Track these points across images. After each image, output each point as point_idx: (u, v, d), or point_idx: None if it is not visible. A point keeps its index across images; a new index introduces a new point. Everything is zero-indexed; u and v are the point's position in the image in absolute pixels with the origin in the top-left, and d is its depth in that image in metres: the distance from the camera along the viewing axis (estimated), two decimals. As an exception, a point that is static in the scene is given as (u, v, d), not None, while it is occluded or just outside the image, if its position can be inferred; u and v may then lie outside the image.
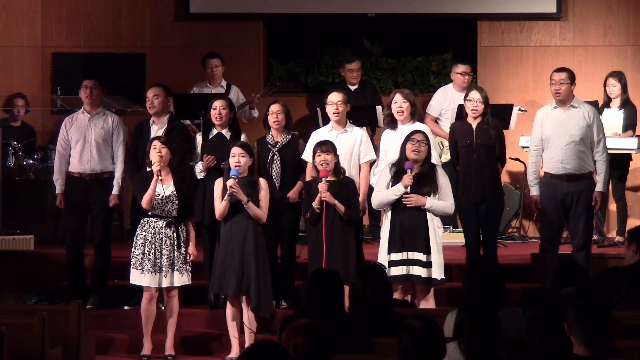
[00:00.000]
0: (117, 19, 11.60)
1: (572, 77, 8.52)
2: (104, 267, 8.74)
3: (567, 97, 8.49)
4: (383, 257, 7.65)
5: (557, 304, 4.98)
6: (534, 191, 8.53)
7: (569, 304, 4.45)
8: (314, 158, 7.90)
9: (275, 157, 8.37)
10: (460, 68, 10.48)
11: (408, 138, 7.77)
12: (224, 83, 10.41)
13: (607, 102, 10.14)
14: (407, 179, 7.63)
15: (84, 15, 11.61)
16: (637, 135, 9.95)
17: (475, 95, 8.42)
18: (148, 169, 8.08)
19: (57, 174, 8.83)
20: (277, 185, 8.32)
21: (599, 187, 8.48)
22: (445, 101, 10.43)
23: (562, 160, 8.40)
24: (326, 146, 7.87)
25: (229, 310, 7.90)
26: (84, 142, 8.75)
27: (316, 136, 8.33)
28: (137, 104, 10.56)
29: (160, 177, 7.83)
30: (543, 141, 8.50)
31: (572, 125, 8.43)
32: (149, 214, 7.94)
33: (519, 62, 11.36)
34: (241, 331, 7.90)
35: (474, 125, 8.41)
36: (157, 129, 8.61)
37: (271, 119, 8.40)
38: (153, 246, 7.87)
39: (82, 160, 8.74)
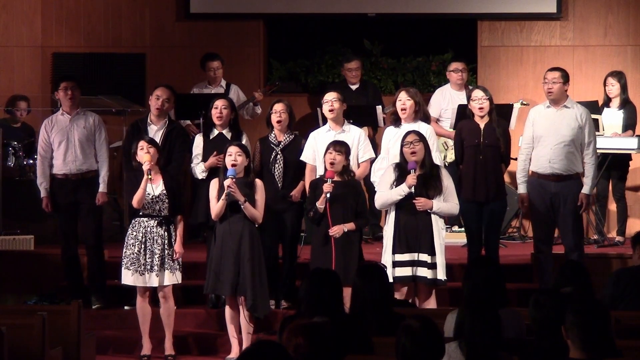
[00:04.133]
0: (117, 19, 11.59)
1: (565, 77, 8.49)
2: (100, 266, 8.74)
3: (559, 96, 8.46)
4: (387, 258, 7.65)
5: (563, 306, 4.98)
6: (522, 189, 8.53)
7: (568, 307, 4.42)
8: (325, 154, 7.88)
9: (278, 156, 8.37)
10: (453, 65, 10.48)
11: (403, 142, 7.78)
12: (223, 82, 10.41)
13: (607, 102, 10.14)
14: (411, 179, 7.64)
15: (84, 15, 11.60)
16: (637, 135, 9.94)
17: (479, 93, 8.43)
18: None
19: (41, 178, 8.79)
20: (279, 184, 8.32)
21: (585, 190, 8.44)
22: (444, 101, 10.43)
23: (551, 159, 8.39)
24: (340, 146, 7.86)
25: (228, 310, 7.90)
26: (67, 143, 8.73)
27: (314, 137, 8.33)
28: (137, 104, 10.56)
29: (150, 177, 7.84)
30: (534, 140, 8.50)
31: (564, 125, 8.42)
32: (140, 213, 7.94)
33: (519, 62, 11.35)
34: (240, 331, 7.89)
35: (482, 125, 8.41)
36: (155, 129, 8.60)
37: (274, 118, 8.40)
38: (144, 246, 7.88)
39: (67, 160, 8.72)
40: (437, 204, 7.69)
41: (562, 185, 8.38)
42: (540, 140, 8.45)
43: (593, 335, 4.29)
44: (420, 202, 7.65)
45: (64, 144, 8.73)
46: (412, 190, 7.64)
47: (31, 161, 10.42)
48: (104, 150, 8.75)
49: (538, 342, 5.07)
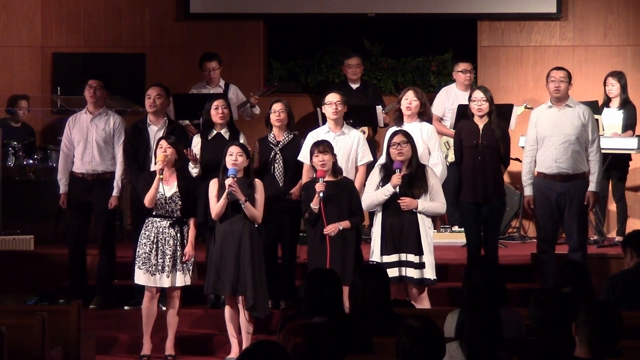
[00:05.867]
0: (117, 19, 11.59)
1: (569, 77, 8.56)
2: (109, 267, 8.74)
3: (564, 95, 8.51)
4: (375, 259, 7.65)
5: (563, 305, 4.99)
6: (528, 191, 8.54)
7: (581, 306, 4.43)
8: (311, 158, 7.90)
9: (277, 156, 8.37)
10: (461, 66, 10.46)
11: (389, 143, 7.79)
12: (222, 83, 10.38)
13: (607, 102, 10.15)
14: (396, 178, 7.65)
15: (84, 15, 11.61)
16: (636, 135, 9.95)
17: (478, 94, 8.44)
18: (153, 169, 8.11)
19: (61, 174, 8.83)
20: (280, 184, 8.32)
21: (591, 187, 8.47)
22: (449, 100, 10.40)
23: (557, 159, 8.41)
24: (323, 146, 7.87)
25: (227, 310, 7.90)
26: (85, 143, 8.75)
27: (313, 137, 8.32)
28: (137, 104, 10.55)
29: (161, 176, 7.84)
30: (538, 141, 8.51)
31: (568, 124, 8.44)
32: (153, 213, 7.95)
33: (519, 62, 11.36)
34: (240, 331, 7.90)
35: (481, 126, 8.42)
36: (156, 130, 8.60)
37: (273, 117, 8.41)
38: (155, 246, 7.88)
39: (84, 160, 8.74)
40: (422, 204, 7.68)
41: (568, 185, 8.39)
42: (544, 140, 8.46)
43: (602, 338, 4.30)
44: (405, 202, 7.65)
45: (82, 143, 8.75)
46: (397, 190, 7.64)
47: (31, 161, 10.42)
48: (121, 153, 8.73)
49: (538, 341, 5.07)
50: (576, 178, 8.43)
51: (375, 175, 7.86)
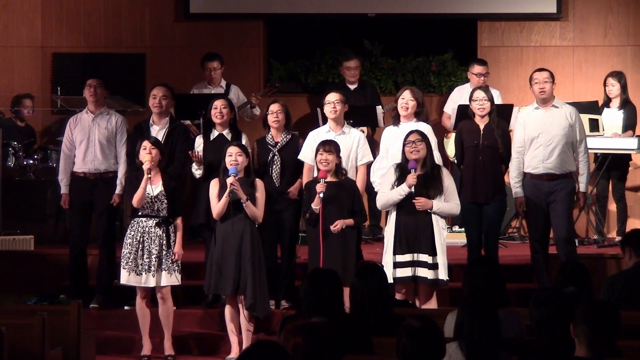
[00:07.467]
0: (117, 19, 11.59)
1: (553, 77, 8.59)
2: (109, 266, 8.74)
3: (549, 96, 8.52)
4: (388, 259, 7.65)
5: (563, 305, 4.99)
6: (518, 192, 8.53)
7: (579, 305, 4.43)
8: (315, 156, 7.90)
9: (276, 157, 8.37)
10: (477, 69, 10.44)
11: (405, 142, 7.78)
12: (223, 83, 10.40)
13: (607, 102, 10.15)
14: (411, 178, 7.64)
15: (84, 15, 11.60)
16: (637, 135, 9.95)
17: (480, 94, 8.45)
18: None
19: (62, 174, 8.84)
20: (276, 185, 8.32)
21: (581, 188, 8.48)
22: (461, 100, 10.35)
23: (544, 160, 8.41)
24: (329, 146, 7.86)
25: (228, 310, 7.91)
26: (87, 142, 8.76)
27: (313, 136, 8.33)
28: (137, 104, 10.56)
29: (149, 176, 7.85)
30: (526, 142, 8.51)
31: (555, 125, 8.45)
32: (139, 213, 7.96)
33: (519, 62, 11.35)
34: (240, 331, 7.90)
35: (482, 126, 8.42)
36: (157, 129, 8.62)
37: (271, 118, 8.41)
38: (141, 245, 7.89)
39: (86, 160, 8.75)
40: (437, 204, 7.69)
41: (555, 184, 8.41)
42: (532, 141, 8.47)
43: (601, 335, 4.30)
44: (420, 202, 7.65)
45: (84, 142, 8.76)
46: (412, 190, 7.64)
47: (31, 161, 10.42)
48: (123, 152, 8.74)
49: (538, 341, 5.07)
50: (562, 177, 8.43)
51: (391, 174, 7.84)
